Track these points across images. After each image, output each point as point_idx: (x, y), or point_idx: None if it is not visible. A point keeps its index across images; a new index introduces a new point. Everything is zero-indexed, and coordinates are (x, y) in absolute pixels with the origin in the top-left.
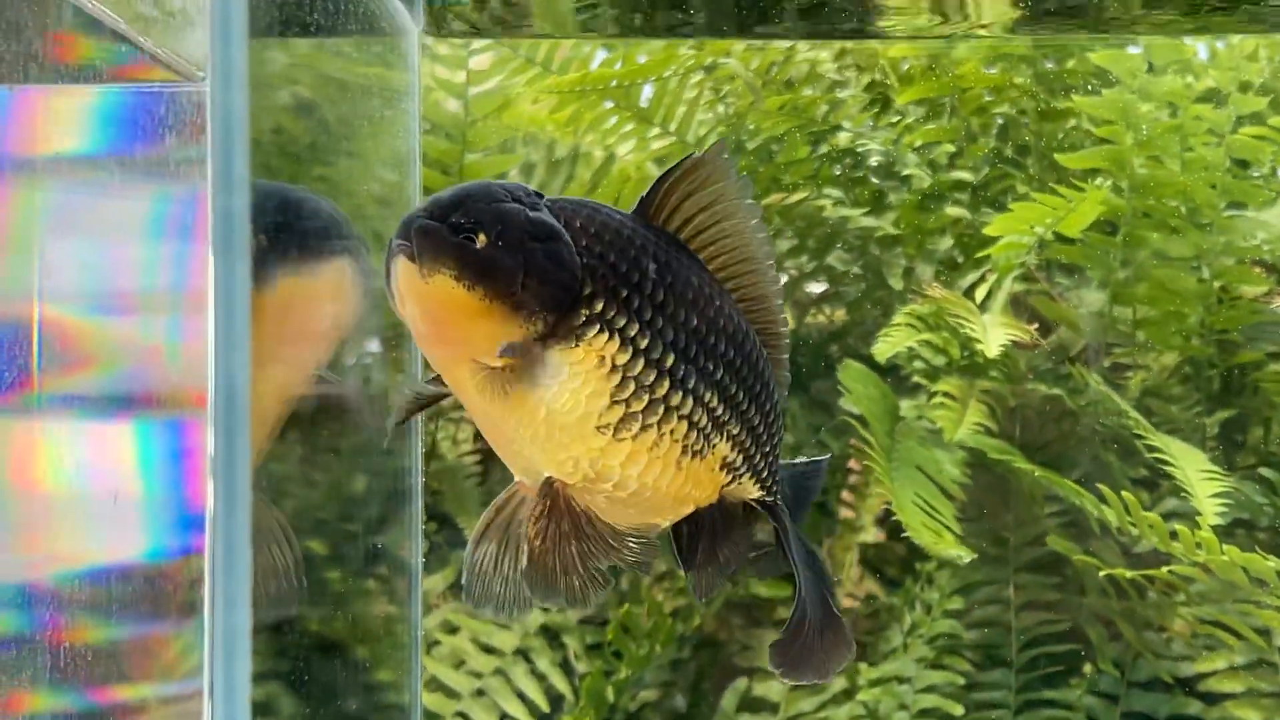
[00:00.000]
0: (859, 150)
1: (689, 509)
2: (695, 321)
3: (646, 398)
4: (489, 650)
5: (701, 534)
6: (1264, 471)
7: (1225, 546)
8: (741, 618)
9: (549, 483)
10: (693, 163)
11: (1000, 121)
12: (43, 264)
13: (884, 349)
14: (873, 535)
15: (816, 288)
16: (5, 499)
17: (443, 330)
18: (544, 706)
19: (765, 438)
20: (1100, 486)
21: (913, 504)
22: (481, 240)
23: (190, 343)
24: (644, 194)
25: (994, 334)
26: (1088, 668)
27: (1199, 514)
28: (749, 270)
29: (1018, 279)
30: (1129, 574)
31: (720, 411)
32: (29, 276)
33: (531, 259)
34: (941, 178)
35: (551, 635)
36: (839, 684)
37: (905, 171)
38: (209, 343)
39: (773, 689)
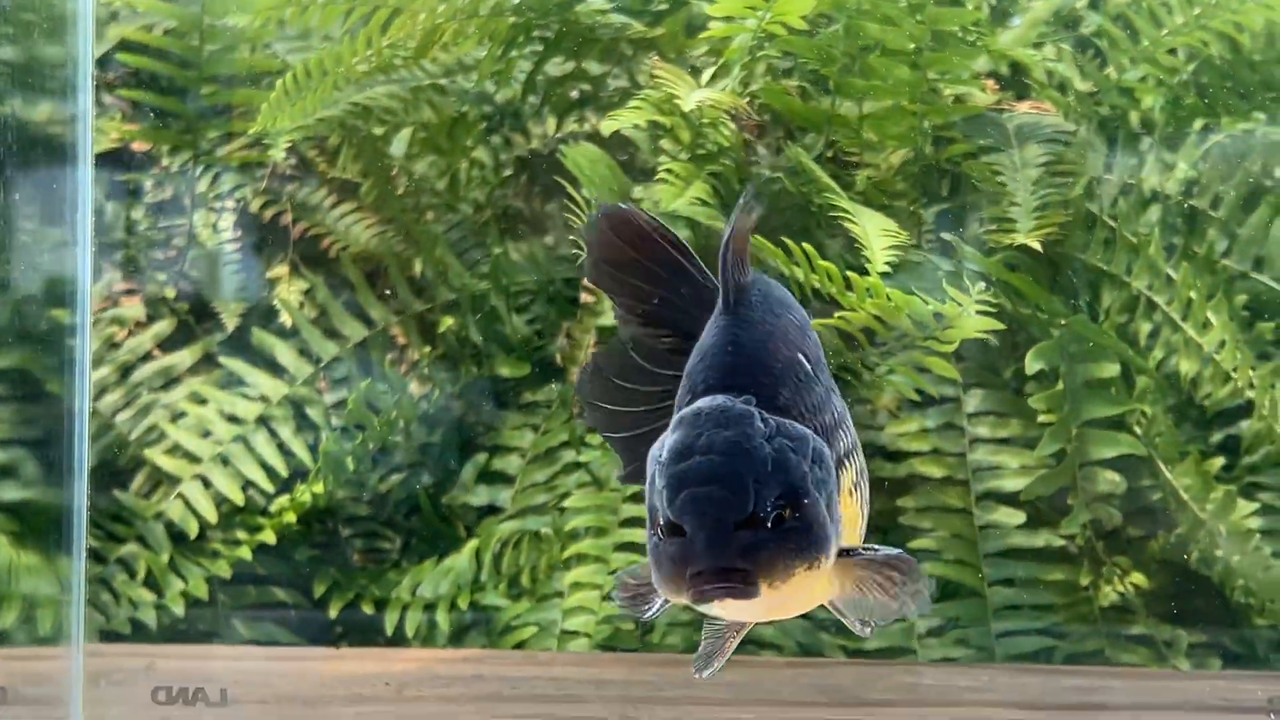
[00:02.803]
0: None
1: None
2: (823, 377)
3: (859, 490)
4: (233, 420)
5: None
6: (946, 236)
7: (889, 291)
8: (487, 400)
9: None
10: (739, 223)
11: None
12: None
13: (609, 125)
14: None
15: (573, 92)
16: None
17: (796, 606)
18: (284, 472)
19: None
20: (785, 240)
21: None
22: (789, 514)
23: None
24: (722, 281)
25: (695, 95)
26: None
27: (870, 264)
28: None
29: (756, 77)
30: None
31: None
32: None
33: (823, 485)
34: None
35: (295, 405)
36: (569, 456)
37: None
38: None
39: (511, 463)
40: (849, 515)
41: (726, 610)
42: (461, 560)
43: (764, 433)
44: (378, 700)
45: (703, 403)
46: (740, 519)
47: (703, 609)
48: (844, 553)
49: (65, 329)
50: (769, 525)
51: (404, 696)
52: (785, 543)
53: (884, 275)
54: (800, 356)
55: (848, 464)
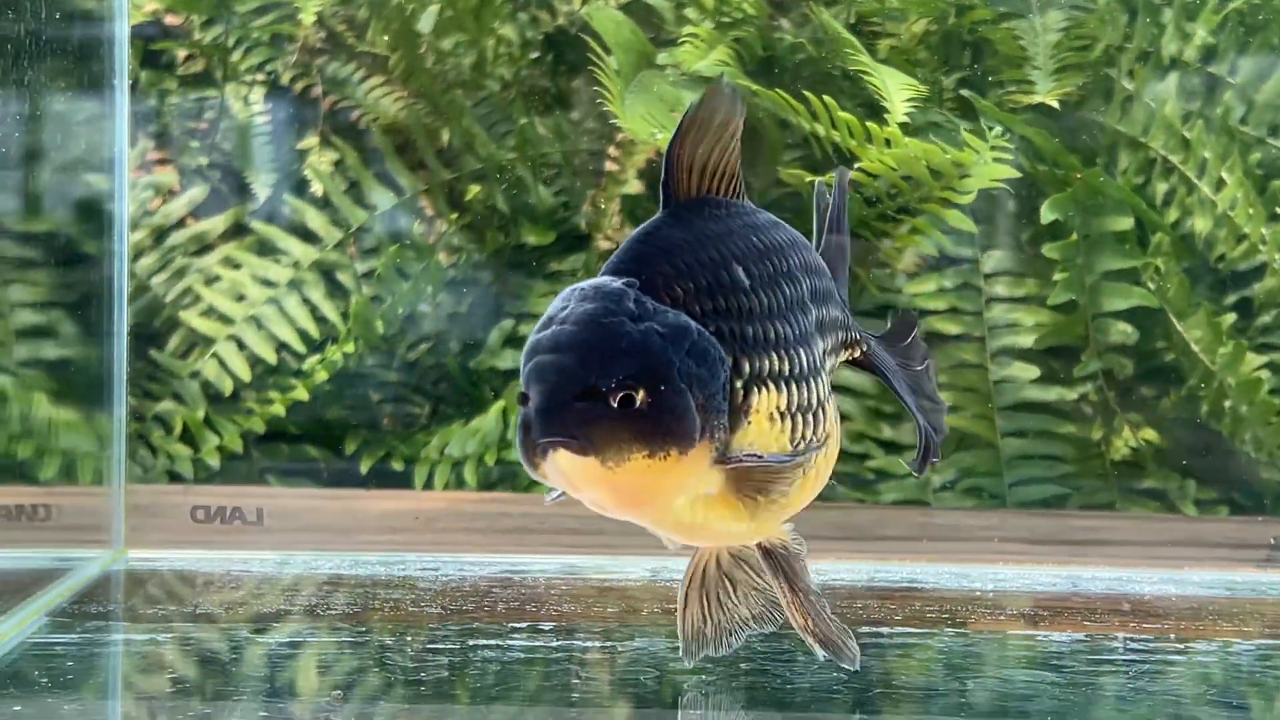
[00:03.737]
0: None
1: None
2: (787, 289)
3: (810, 417)
4: (265, 283)
5: None
6: (965, 93)
7: (908, 140)
8: (515, 269)
9: (768, 555)
10: (689, 122)
11: None
12: None
13: None
14: (635, 188)
15: None
16: None
17: (641, 501)
18: (315, 335)
19: (843, 316)
20: (807, 94)
21: (641, 117)
22: (642, 397)
23: None
24: (662, 178)
25: None
26: None
27: (889, 114)
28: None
29: None
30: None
31: (826, 345)
32: None
33: (692, 379)
34: None
35: (325, 271)
36: None
37: None
38: None
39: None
40: (760, 439)
41: (566, 483)
42: (489, 420)
43: (631, 313)
44: (407, 531)
45: (586, 280)
46: (578, 390)
47: (538, 477)
48: (728, 460)
49: (102, 194)
50: (612, 403)
51: (433, 528)
52: (625, 423)
53: (903, 127)
54: (736, 267)
55: (774, 390)
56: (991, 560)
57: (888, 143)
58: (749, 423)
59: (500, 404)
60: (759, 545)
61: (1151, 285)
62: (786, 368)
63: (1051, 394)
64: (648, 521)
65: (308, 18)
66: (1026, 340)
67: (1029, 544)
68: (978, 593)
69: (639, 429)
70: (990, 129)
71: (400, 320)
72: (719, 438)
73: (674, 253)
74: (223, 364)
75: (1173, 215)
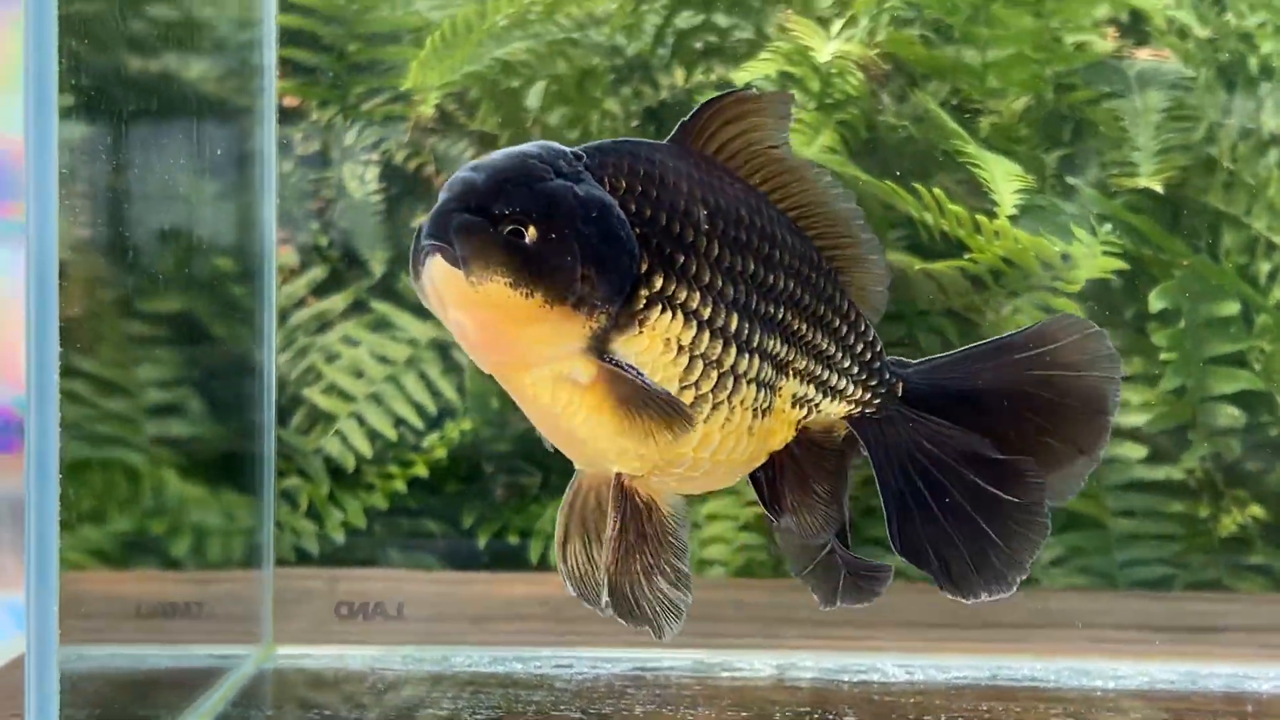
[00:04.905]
0: None
1: (757, 464)
2: (752, 265)
3: (715, 374)
4: (384, 360)
5: (780, 478)
6: (1071, 180)
7: (1017, 233)
8: None
9: (619, 485)
10: (740, 96)
11: None
12: None
13: (742, 76)
14: None
15: (701, 44)
16: None
17: (497, 339)
18: (432, 410)
19: (842, 355)
20: (917, 185)
21: None
22: (531, 234)
23: None
24: (685, 120)
25: (830, 46)
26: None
27: (998, 207)
28: (805, 189)
29: (880, 26)
30: (939, 266)
31: (784, 353)
32: None
33: (587, 247)
34: None
35: (441, 348)
36: None
37: None
38: None
39: None
40: (649, 359)
41: (437, 299)
42: None
43: (560, 169)
44: (535, 619)
45: None
46: (473, 204)
47: (418, 291)
48: (602, 355)
49: (229, 276)
50: (499, 227)
51: (559, 616)
52: (502, 247)
53: (1011, 218)
54: (700, 209)
55: (681, 319)
56: (1109, 653)
57: (996, 234)
58: (640, 333)
59: None
60: (618, 476)
61: (1257, 366)
62: (708, 312)
63: (1160, 473)
64: (511, 386)
65: (428, 110)
66: (1134, 419)
67: (1144, 630)
68: (1099, 692)
69: (512, 257)
70: (1101, 226)
71: None
72: (597, 321)
73: (640, 159)
74: (345, 441)
75: (1276, 295)
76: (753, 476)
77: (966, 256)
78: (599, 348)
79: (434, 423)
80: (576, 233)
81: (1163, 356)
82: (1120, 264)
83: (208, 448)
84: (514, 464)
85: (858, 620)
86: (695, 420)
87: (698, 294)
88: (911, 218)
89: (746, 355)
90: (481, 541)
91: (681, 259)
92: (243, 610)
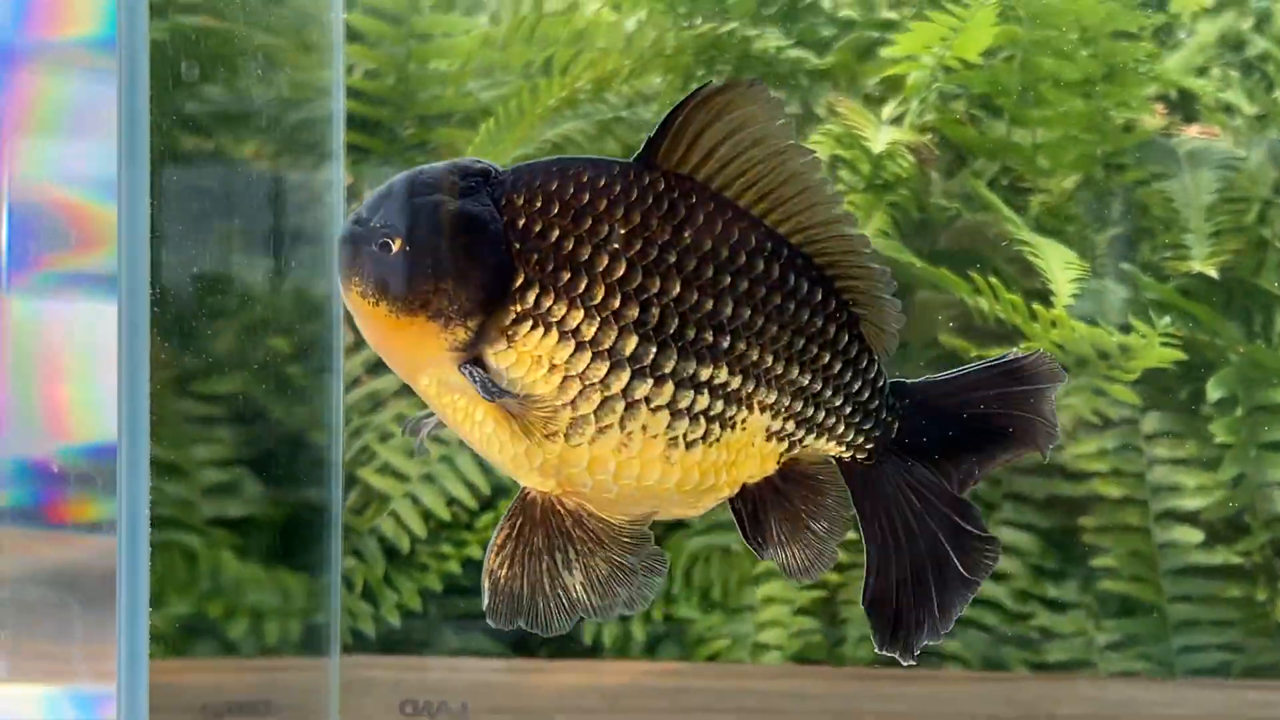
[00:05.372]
0: None
1: (722, 494)
2: (681, 289)
3: (599, 396)
4: (437, 440)
5: (764, 510)
6: (1125, 266)
7: (1074, 322)
8: None
9: (522, 495)
10: (709, 92)
11: None
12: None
13: None
14: None
15: None
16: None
17: (376, 345)
18: (485, 490)
19: (832, 393)
20: (971, 274)
21: None
22: (396, 247)
23: None
24: (650, 134)
25: (882, 134)
26: None
27: (1054, 296)
28: (800, 202)
29: (931, 107)
30: (994, 353)
31: (738, 385)
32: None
33: (445, 261)
34: (871, 17)
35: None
36: None
37: (840, 13)
38: None
39: None
40: (523, 375)
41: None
42: None
43: (443, 185)
44: (595, 712)
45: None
46: (359, 218)
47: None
48: (469, 374)
49: (284, 357)
50: (373, 240)
51: (618, 708)
52: (363, 255)
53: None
54: (613, 226)
55: (556, 338)
56: None
57: (1053, 323)
58: (508, 347)
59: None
60: (523, 490)
61: None
62: (591, 332)
63: (1217, 557)
64: (417, 390)
65: None
66: (1190, 503)
67: (1203, 718)
68: None
69: (364, 268)
70: (1159, 315)
71: None
72: (455, 334)
73: (560, 176)
74: (399, 520)
75: None
76: (731, 507)
77: (1022, 345)
78: (471, 358)
79: (487, 502)
80: (435, 247)
81: (1219, 441)
82: (1179, 354)
83: (267, 527)
84: None
85: (916, 713)
86: (545, 436)
87: (581, 313)
88: (964, 301)
89: (650, 381)
90: None
91: (568, 277)
92: (310, 701)
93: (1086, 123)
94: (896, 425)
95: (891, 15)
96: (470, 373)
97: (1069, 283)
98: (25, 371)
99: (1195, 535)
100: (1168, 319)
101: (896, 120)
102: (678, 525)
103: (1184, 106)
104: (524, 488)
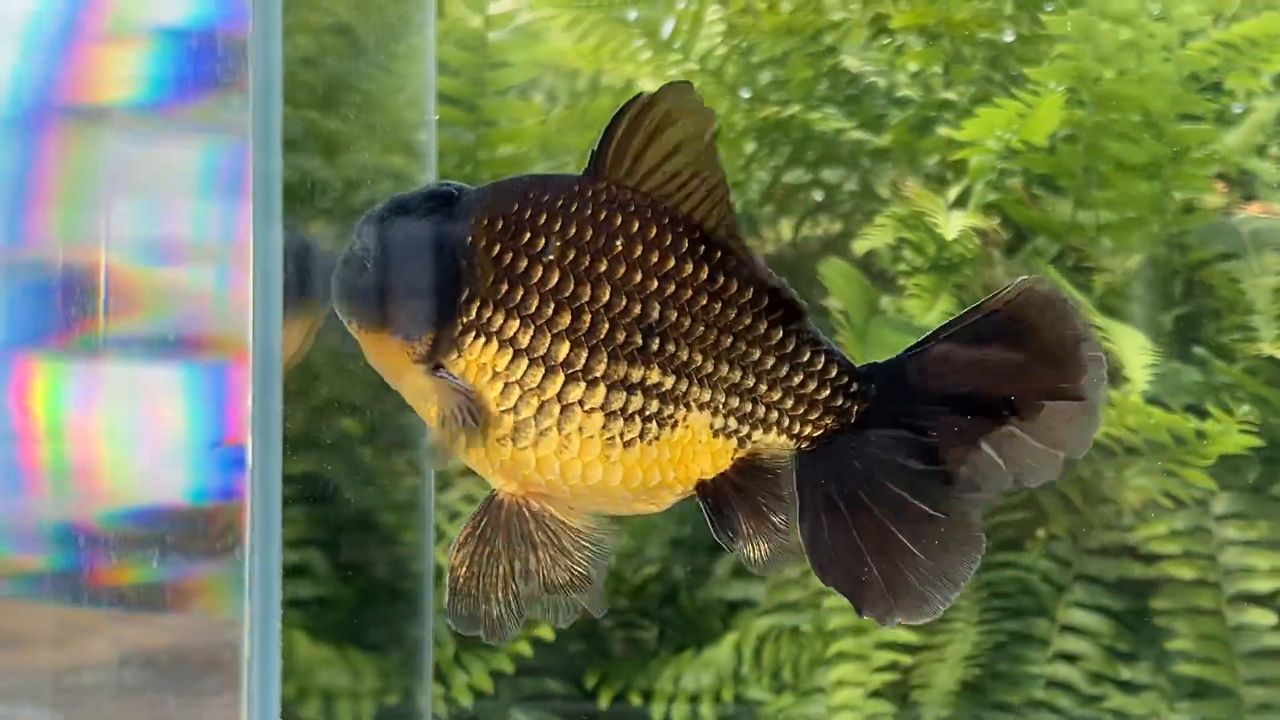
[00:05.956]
0: (855, 71)
1: (678, 490)
2: (610, 296)
3: (536, 400)
4: None
5: (727, 506)
6: (1198, 350)
7: (1151, 410)
8: None
9: (490, 496)
10: (642, 103)
11: (985, 45)
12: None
13: (863, 244)
14: None
15: (810, 197)
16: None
17: (380, 368)
18: None
19: (768, 389)
20: None
21: None
22: (370, 267)
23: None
24: (593, 148)
25: (954, 221)
26: (1041, 532)
27: (1129, 381)
28: (720, 195)
29: (992, 187)
30: None
31: (672, 385)
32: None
33: (400, 279)
34: (931, 98)
35: None
36: None
37: (899, 93)
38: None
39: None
40: (474, 382)
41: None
42: (722, 653)
43: (409, 207)
44: None
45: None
46: (349, 247)
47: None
48: (440, 377)
49: (354, 438)
50: (349, 265)
51: None
52: (337, 275)
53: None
54: (551, 240)
55: (496, 347)
56: None
57: (1130, 411)
58: (458, 357)
59: (733, 636)
60: (492, 492)
61: None
62: (527, 340)
63: None
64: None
65: None
66: (1263, 586)
67: None
68: None
69: (341, 288)
70: (1237, 403)
71: (631, 551)
72: (416, 347)
73: (516, 195)
74: None
75: None
76: (700, 504)
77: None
78: (435, 366)
79: None
80: (390, 267)
81: None
82: (1257, 441)
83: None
84: (630, 618)
85: None
86: (496, 440)
87: (516, 322)
88: None
89: (583, 385)
90: (604, 701)
91: (506, 288)
92: None
93: (1150, 204)
94: (858, 410)
95: (950, 96)
96: (453, 380)
97: (1142, 368)
98: (118, 433)
99: (1269, 618)
100: (1246, 407)
101: (959, 202)
102: (744, 604)
103: (1243, 183)
104: (493, 489)
